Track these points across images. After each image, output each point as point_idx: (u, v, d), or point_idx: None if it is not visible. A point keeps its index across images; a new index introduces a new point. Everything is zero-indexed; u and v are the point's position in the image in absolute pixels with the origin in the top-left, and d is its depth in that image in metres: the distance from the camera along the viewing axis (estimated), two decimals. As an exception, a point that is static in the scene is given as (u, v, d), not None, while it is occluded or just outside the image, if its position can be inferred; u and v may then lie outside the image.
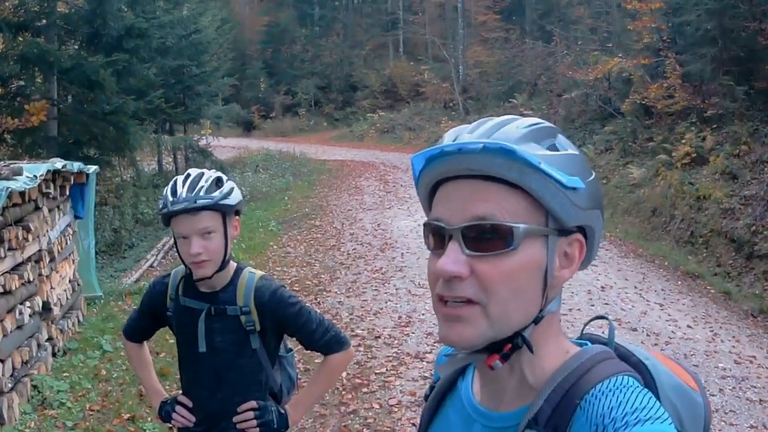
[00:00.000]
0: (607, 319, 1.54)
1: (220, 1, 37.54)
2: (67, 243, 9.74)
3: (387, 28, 55.88)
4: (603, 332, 1.51)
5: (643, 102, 19.99)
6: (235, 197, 3.14)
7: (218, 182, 3.11)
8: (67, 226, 9.84)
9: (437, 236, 1.33)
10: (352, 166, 29.40)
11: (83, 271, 10.73)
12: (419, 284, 11.67)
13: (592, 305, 10.60)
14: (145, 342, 3.64)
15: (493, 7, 43.83)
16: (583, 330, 1.52)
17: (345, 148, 37.30)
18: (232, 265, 3.27)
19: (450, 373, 1.56)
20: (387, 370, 8.31)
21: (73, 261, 10.13)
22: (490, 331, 1.29)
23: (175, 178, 3.15)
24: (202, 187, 3.04)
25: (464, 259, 1.27)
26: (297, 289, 11.87)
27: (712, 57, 18.09)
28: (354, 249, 14.72)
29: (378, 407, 7.34)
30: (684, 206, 15.34)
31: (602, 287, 11.56)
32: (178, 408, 3.35)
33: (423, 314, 10.30)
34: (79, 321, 9.83)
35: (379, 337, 9.45)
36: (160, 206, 3.10)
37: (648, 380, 1.38)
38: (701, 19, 18.47)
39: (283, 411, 3.30)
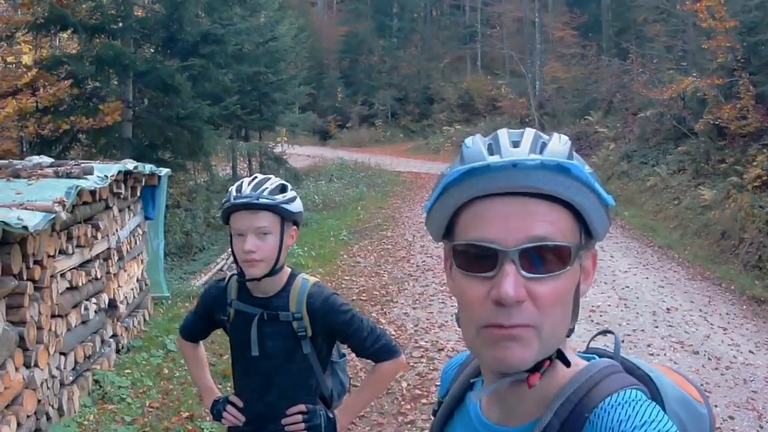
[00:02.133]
0: (613, 333, 1.55)
1: (297, 9, 37.78)
2: (136, 243, 9.94)
3: (465, 41, 55.69)
4: (608, 346, 1.53)
5: (717, 122, 19.69)
6: (297, 206, 3.20)
7: (282, 188, 3.18)
8: (137, 226, 10.04)
9: (482, 258, 1.26)
10: (426, 179, 29.35)
11: (152, 272, 10.92)
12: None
13: (657, 327, 10.47)
14: (200, 342, 3.73)
15: (570, 22, 43.46)
16: (588, 344, 1.53)
17: (420, 161, 37.29)
18: (286, 271, 3.32)
19: (459, 389, 1.57)
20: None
21: (142, 261, 10.34)
22: (541, 352, 1.28)
23: (242, 179, 3.22)
24: (266, 188, 3.11)
25: (522, 282, 1.23)
26: (364, 298, 11.94)
27: (786, 78, 17.79)
28: (423, 261, 14.74)
29: (437, 419, 7.34)
30: (753, 230, 15.07)
31: (668, 309, 11.40)
32: (228, 407, 3.40)
33: (446, 320, 10.38)
34: (145, 320, 10.02)
35: (442, 349, 9.45)
36: (223, 202, 3.18)
37: (653, 393, 1.38)
38: (778, 39, 18.16)
39: (332, 415, 3.33)
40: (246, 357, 3.30)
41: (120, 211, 9.07)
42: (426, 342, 9.75)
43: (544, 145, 1.29)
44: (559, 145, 1.29)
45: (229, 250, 13.85)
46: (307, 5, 54.82)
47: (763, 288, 12.87)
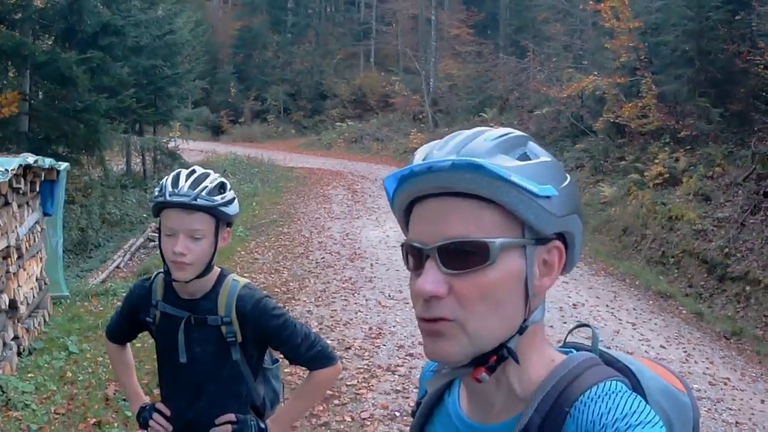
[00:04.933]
0: (589, 326, 1.54)
1: (194, 3, 37.34)
2: (35, 240, 9.54)
3: (359, 37, 56.07)
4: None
5: (616, 121, 20.11)
6: (234, 208, 3.03)
7: (221, 188, 2.98)
8: (35, 223, 9.64)
9: (416, 257, 1.32)
10: (320, 175, 29.30)
11: (50, 270, 10.53)
12: (389, 296, 11.58)
13: (565, 322, 10.54)
14: (127, 344, 3.49)
15: (466, 20, 44.07)
16: (566, 339, 1.52)
17: (313, 156, 37.23)
18: (216, 271, 3.15)
19: (436, 387, 1.53)
20: (358, 382, 8.17)
21: (41, 259, 9.94)
22: (470, 347, 1.29)
23: (178, 171, 3.00)
24: (206, 187, 2.90)
25: (442, 278, 1.27)
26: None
27: (688, 78, 18.36)
28: (323, 258, 14.59)
29: (350, 420, 7.20)
30: (656, 226, 15.40)
31: (574, 305, 11.54)
32: (155, 416, 3.20)
33: (394, 326, 10.19)
34: (45, 321, 9.64)
35: (349, 348, 9.32)
36: (155, 194, 2.94)
37: (635, 384, 1.37)
38: (679, 40, 18.73)
39: (263, 426, 3.16)
40: (173, 362, 3.11)
41: (19, 207, 8.69)
42: (332, 341, 9.57)
43: (465, 144, 1.32)
44: (482, 142, 1.32)
45: (125, 246, 13.45)
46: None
47: (669, 283, 13.13)
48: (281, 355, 3.27)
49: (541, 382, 1.32)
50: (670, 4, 19.02)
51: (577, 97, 24.69)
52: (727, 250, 13.49)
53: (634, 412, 1.20)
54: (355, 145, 40.29)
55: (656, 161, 17.33)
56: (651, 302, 12.18)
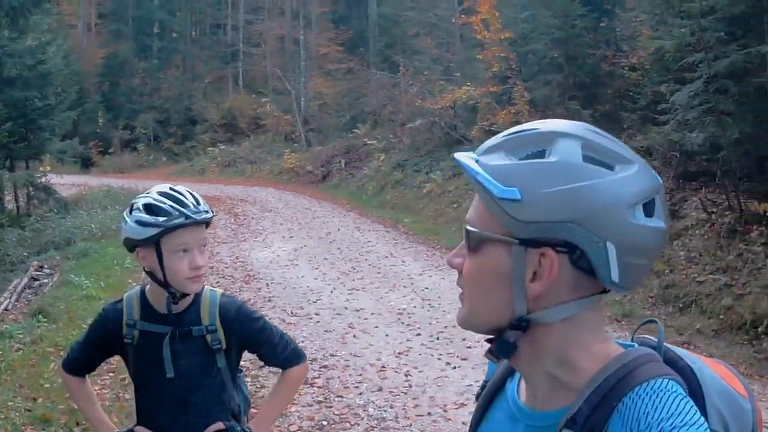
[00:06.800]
0: (656, 322, 1.55)
1: (60, 31, 36.40)
2: None
3: (227, 60, 55.73)
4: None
5: (491, 128, 20.62)
6: None
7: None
8: None
9: None
10: (196, 201, 28.91)
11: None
12: (292, 313, 11.57)
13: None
14: (86, 375, 3.45)
15: (335, 39, 44.24)
16: (634, 334, 1.51)
17: (187, 183, 35.86)
18: None
19: (500, 374, 1.58)
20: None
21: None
22: (469, 317, 1.43)
23: (164, 192, 3.02)
24: (200, 200, 3.03)
25: (461, 253, 1.42)
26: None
27: (558, 83, 19.08)
28: (217, 282, 14.45)
29: (278, 434, 7.29)
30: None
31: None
32: None
33: (302, 342, 10.13)
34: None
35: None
36: (164, 218, 2.92)
37: (694, 385, 1.37)
38: (547, 48, 19.43)
39: (248, 430, 3.25)
40: (157, 379, 3.12)
41: None
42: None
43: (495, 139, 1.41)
44: (494, 138, 1.40)
45: (10, 287, 12.86)
46: (67, 27, 52.82)
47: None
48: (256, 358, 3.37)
49: (594, 374, 1.32)
50: (537, 15, 19.73)
51: (450, 107, 25.17)
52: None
53: (680, 413, 1.21)
54: (228, 168, 39.94)
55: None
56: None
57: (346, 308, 11.74)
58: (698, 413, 1.24)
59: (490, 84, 21.91)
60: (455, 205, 20.37)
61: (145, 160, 47.38)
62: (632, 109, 16.81)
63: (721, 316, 10.42)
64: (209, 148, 43.93)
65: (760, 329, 9.81)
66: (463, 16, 24.82)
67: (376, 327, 10.66)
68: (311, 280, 13.87)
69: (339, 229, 20.29)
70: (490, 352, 1.42)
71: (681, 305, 11.18)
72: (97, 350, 3.33)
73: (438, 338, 10.02)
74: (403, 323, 10.86)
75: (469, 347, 9.47)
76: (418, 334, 10.26)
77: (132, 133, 49.51)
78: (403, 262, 15.57)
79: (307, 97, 41.32)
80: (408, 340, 10.01)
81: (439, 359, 9.17)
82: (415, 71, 31.33)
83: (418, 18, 33.18)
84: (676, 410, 1.22)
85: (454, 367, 8.85)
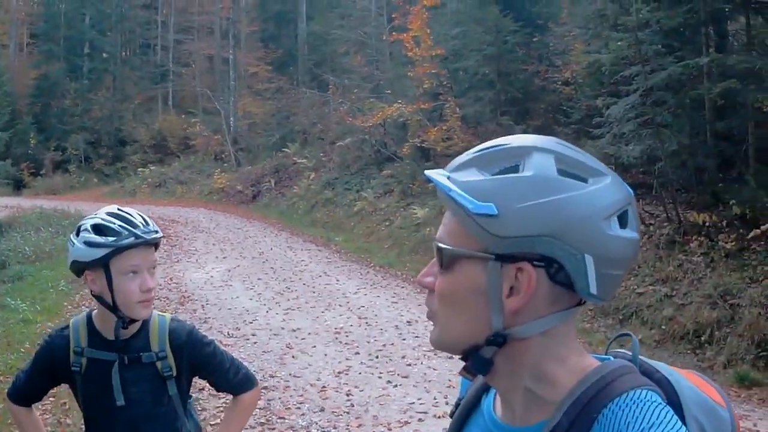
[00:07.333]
0: (630, 335, 1.51)
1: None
2: None
3: (157, 80, 55.26)
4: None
5: (422, 145, 20.74)
6: None
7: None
8: None
9: None
10: (128, 223, 28.63)
11: None
12: (228, 334, 11.38)
13: (404, 339, 10.81)
14: (32, 405, 3.30)
15: (264, 58, 44.10)
16: (607, 348, 1.50)
17: (118, 204, 35.87)
18: None
19: (474, 391, 1.55)
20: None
21: None
22: (443, 337, 1.38)
23: (113, 213, 2.95)
24: (148, 220, 2.92)
25: (431, 272, 1.38)
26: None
27: (489, 99, 19.33)
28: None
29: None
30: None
31: (408, 322, 11.77)
32: None
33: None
34: None
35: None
36: (114, 238, 2.83)
37: (672, 396, 1.35)
38: (479, 64, 19.63)
39: None
40: (107, 408, 2.98)
41: None
42: None
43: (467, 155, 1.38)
44: (466, 154, 1.38)
45: None
46: (-1, 48, 52.02)
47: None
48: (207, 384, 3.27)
49: (572, 387, 1.31)
50: (469, 31, 19.97)
51: (380, 125, 25.25)
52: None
53: (661, 423, 1.21)
54: (159, 189, 39.56)
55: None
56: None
57: (282, 328, 11.65)
58: (679, 422, 1.23)
59: (421, 101, 22.06)
60: (387, 223, 20.46)
61: (76, 182, 46.71)
62: (566, 123, 17.04)
63: (663, 327, 10.59)
64: (140, 169, 43.58)
65: (702, 338, 10.00)
66: (393, 33, 24.95)
67: (314, 347, 10.59)
68: (246, 301, 13.77)
69: (272, 249, 20.25)
70: (465, 370, 1.39)
71: (621, 317, 11.34)
72: (43, 379, 3.19)
73: (377, 356, 10.00)
74: (341, 342, 10.81)
75: (409, 365, 9.49)
76: (357, 353, 10.22)
77: (63, 154, 48.84)
78: (338, 280, 15.55)
79: (236, 117, 41.21)
80: (347, 359, 9.96)
81: (379, 377, 9.13)
82: (344, 89, 31.46)
83: (348, 36, 33.38)
84: (657, 419, 1.21)
85: (396, 386, 8.79)
